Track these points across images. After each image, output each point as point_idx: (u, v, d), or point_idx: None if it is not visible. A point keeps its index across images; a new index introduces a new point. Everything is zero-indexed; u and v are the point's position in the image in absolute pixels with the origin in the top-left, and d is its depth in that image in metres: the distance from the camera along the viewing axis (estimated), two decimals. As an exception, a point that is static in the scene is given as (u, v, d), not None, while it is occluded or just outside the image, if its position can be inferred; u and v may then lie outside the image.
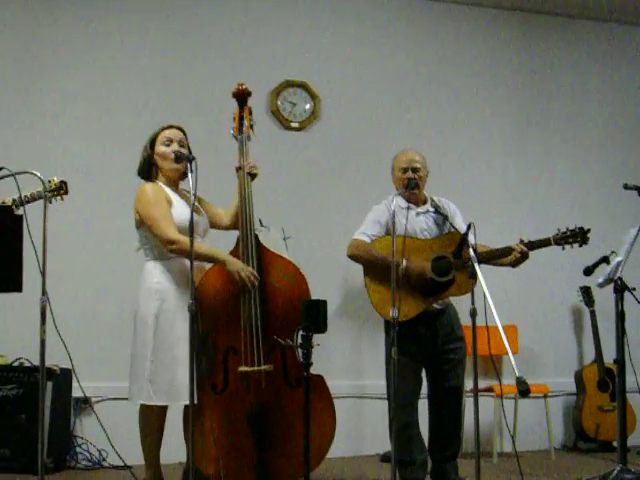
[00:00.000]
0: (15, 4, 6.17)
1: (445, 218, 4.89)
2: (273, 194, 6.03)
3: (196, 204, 4.01)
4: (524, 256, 4.69)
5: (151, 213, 4.20)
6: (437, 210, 4.93)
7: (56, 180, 4.43)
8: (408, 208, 4.82)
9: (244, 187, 4.45)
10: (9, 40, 6.12)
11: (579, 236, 4.74)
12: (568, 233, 4.73)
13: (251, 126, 4.60)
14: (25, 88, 6.12)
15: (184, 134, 4.43)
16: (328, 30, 6.81)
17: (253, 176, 4.52)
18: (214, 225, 4.61)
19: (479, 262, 4.10)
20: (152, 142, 4.37)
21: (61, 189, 4.44)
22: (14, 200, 4.07)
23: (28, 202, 4.11)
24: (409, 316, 4.59)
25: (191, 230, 3.77)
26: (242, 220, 4.37)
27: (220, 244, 4.38)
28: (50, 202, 4.40)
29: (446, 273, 4.65)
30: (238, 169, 4.51)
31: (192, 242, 3.77)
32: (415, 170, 4.85)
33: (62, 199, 4.48)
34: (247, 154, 4.55)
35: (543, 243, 4.74)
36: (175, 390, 4.07)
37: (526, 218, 6.67)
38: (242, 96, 4.61)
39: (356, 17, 6.88)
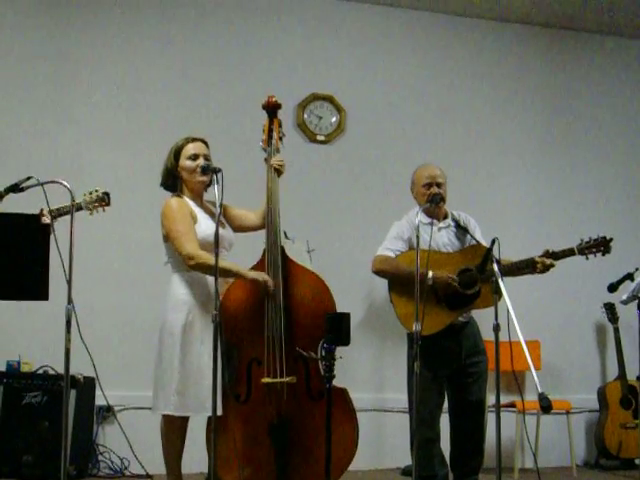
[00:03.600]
0: (45, 14, 6.23)
1: (466, 231, 4.90)
2: (299, 207, 6.02)
3: (221, 219, 4.03)
4: (550, 265, 4.71)
5: (174, 228, 4.21)
6: (458, 224, 4.94)
7: (99, 192, 4.46)
8: (431, 223, 4.82)
9: (269, 181, 4.43)
10: (39, 51, 6.18)
11: (602, 245, 4.77)
12: (591, 242, 4.77)
13: (280, 138, 4.59)
14: (54, 99, 6.18)
15: (207, 146, 4.43)
16: (354, 44, 6.84)
17: (279, 173, 4.50)
18: (243, 227, 4.60)
19: (503, 275, 4.12)
20: (176, 154, 4.38)
21: (103, 201, 4.46)
22: (51, 211, 4.08)
23: (67, 213, 4.12)
24: (435, 330, 4.59)
25: (216, 242, 3.78)
26: (268, 220, 4.35)
27: (244, 259, 4.36)
28: (91, 214, 4.45)
29: (472, 285, 4.65)
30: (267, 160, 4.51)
31: (217, 254, 3.78)
32: (439, 185, 4.86)
33: (104, 210, 4.51)
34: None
35: (567, 253, 4.77)
36: (201, 401, 4.07)
37: (550, 233, 6.63)
38: (272, 108, 4.62)
39: (382, 31, 6.90)
